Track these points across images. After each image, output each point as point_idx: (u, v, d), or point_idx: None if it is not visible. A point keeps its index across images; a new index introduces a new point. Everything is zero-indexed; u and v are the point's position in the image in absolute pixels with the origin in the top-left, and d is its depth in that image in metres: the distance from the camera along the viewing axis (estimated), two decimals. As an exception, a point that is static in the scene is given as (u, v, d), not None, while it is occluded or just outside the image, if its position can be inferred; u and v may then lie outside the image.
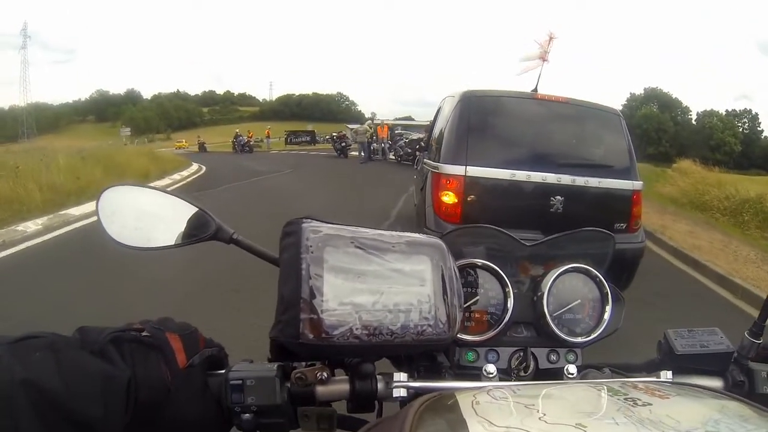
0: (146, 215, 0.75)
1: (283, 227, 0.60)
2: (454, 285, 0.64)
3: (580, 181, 3.95)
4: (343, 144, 24.35)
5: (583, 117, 4.34)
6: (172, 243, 0.74)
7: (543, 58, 4.79)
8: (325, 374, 0.61)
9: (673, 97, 73.10)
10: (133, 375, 0.51)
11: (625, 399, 0.45)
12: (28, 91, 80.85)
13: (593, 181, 3.99)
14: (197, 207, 0.75)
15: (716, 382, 0.70)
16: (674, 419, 0.39)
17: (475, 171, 3.94)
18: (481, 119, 4.19)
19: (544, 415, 0.42)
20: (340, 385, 0.63)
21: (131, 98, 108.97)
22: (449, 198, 3.99)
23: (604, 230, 0.84)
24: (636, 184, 4.11)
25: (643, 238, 4.18)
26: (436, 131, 5.27)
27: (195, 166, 18.12)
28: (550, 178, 3.93)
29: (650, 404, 0.43)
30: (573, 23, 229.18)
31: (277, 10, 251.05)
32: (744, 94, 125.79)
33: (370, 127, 23.18)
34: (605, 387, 0.50)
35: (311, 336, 0.55)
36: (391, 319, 0.59)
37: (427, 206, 4.26)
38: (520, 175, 3.93)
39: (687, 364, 0.70)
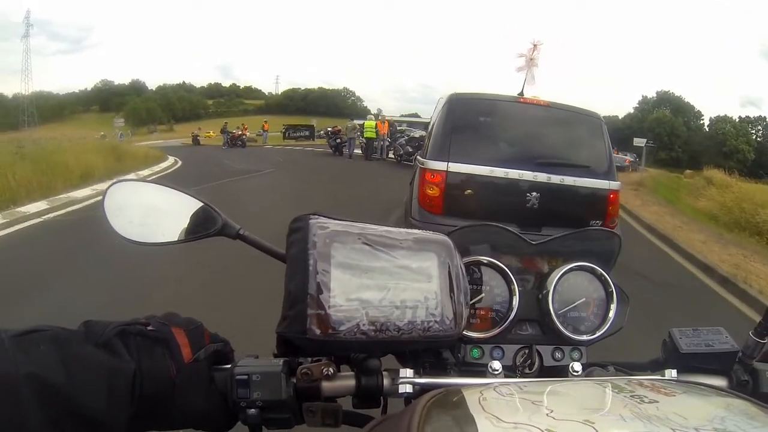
0: (152, 211, 0.74)
1: (289, 223, 0.60)
2: (461, 282, 0.65)
3: (556, 179, 4.29)
4: (338, 140, 22.80)
5: (564, 120, 4.62)
6: (178, 239, 0.73)
7: (531, 65, 5.20)
8: (331, 370, 0.60)
9: (685, 101, 71.83)
10: (138, 368, 0.52)
11: (632, 396, 0.45)
12: (30, 80, 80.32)
13: (569, 180, 4.33)
14: (203, 202, 0.74)
15: (720, 382, 0.70)
16: (681, 416, 0.39)
17: (456, 167, 4.30)
18: (464, 119, 4.54)
19: (552, 411, 0.42)
20: (345, 381, 0.63)
21: (136, 89, 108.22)
22: (433, 191, 4.33)
23: (610, 229, 0.86)
24: (613, 185, 4.46)
25: (620, 236, 3.80)
26: (429, 130, 5.62)
27: (164, 164, 16.72)
28: (527, 175, 4.28)
29: (657, 401, 0.44)
30: (585, 26, 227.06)
31: (286, 4, 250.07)
32: (750, 101, 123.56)
33: (351, 122, 21.83)
34: (611, 384, 0.51)
35: (318, 331, 0.56)
36: (398, 315, 0.59)
37: (413, 198, 4.61)
38: (499, 171, 4.29)
39: (691, 363, 0.70)
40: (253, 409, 0.58)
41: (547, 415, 0.41)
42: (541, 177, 4.27)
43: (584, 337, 0.79)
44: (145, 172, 14.02)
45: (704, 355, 0.70)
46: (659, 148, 55.02)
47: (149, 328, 0.57)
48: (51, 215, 7.41)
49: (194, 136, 35.35)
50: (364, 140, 20.44)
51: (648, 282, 5.31)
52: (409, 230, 0.65)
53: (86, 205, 8.40)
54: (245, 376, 0.58)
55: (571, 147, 4.57)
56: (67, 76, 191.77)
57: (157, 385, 0.54)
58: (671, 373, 0.68)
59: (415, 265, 0.62)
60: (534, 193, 4.27)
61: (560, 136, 4.59)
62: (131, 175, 12.41)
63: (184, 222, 0.74)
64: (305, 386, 0.60)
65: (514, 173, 4.27)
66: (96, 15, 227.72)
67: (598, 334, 0.79)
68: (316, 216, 0.60)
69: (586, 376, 0.72)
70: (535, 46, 5.31)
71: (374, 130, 20.19)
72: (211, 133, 33.17)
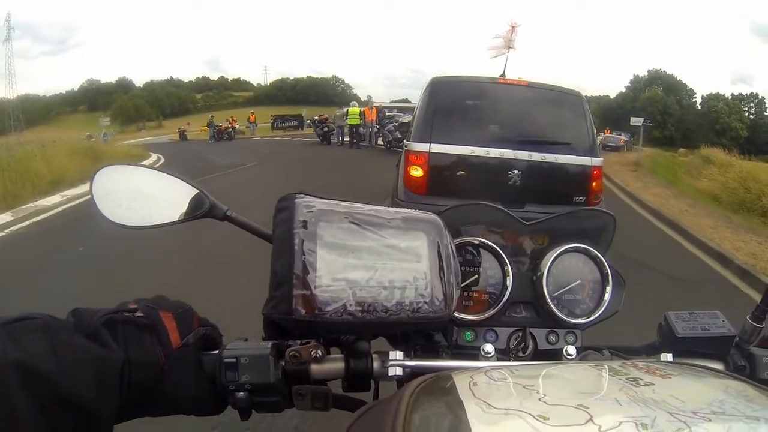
0: (140, 194, 0.74)
1: (276, 203, 0.60)
2: (450, 262, 0.64)
3: (537, 156, 4.37)
4: (326, 129, 22.24)
5: (545, 99, 4.68)
6: (167, 221, 0.73)
7: (508, 46, 5.27)
8: (319, 352, 0.60)
9: (678, 79, 71.64)
10: (126, 357, 0.52)
11: (627, 379, 0.44)
12: (14, 84, 79.22)
13: (550, 157, 4.39)
14: (191, 185, 0.74)
15: (717, 366, 0.68)
16: (678, 399, 0.39)
17: (438, 148, 4.41)
18: (446, 102, 4.64)
19: (545, 396, 0.42)
20: (335, 364, 0.62)
21: (123, 86, 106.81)
22: (417, 172, 4.43)
23: (605, 210, 0.84)
24: (595, 161, 4.49)
25: None
26: (413, 113, 5.66)
27: (144, 163, 16.06)
28: (507, 154, 4.37)
29: (652, 384, 0.43)
30: (575, 4, 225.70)
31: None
32: (741, 78, 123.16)
33: (341, 109, 21.23)
34: (606, 367, 0.50)
35: (304, 312, 0.55)
36: (386, 296, 0.58)
37: (399, 180, 4.68)
38: (480, 151, 4.39)
39: (687, 347, 0.70)
40: (241, 393, 0.57)
41: (539, 399, 0.40)
42: (522, 155, 4.36)
43: (579, 320, 0.77)
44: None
45: (700, 339, 0.69)
46: (653, 127, 54.84)
47: (137, 314, 0.56)
48: (14, 227, 6.92)
49: (181, 132, 34.97)
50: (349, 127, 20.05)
51: (665, 278, 4.85)
52: (398, 209, 0.63)
53: (54, 213, 7.92)
54: (233, 359, 0.57)
55: (552, 125, 4.61)
56: (53, 77, 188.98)
57: (146, 372, 0.54)
58: (667, 357, 0.68)
59: (404, 245, 0.61)
60: (516, 171, 4.34)
61: (541, 114, 4.63)
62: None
63: (172, 204, 0.73)
64: (294, 369, 0.60)
65: (495, 152, 4.37)
66: (79, 14, 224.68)
67: (593, 317, 0.78)
68: (302, 195, 0.60)
69: (581, 360, 0.71)
70: (513, 27, 5.31)
71: (358, 116, 19.71)
72: (205, 127, 32.53)
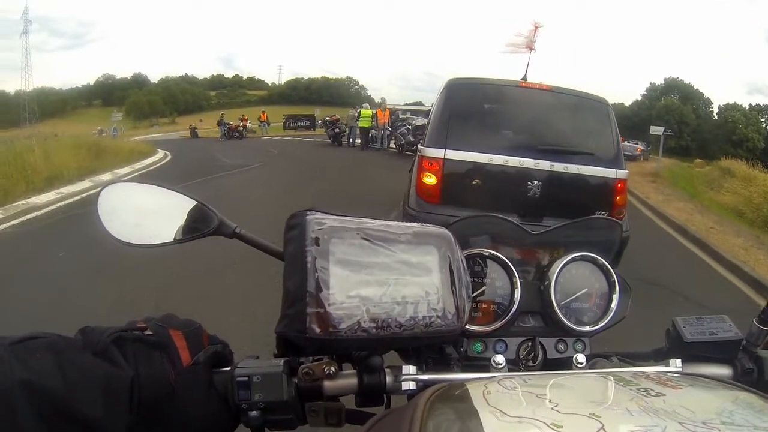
0: (146, 212, 0.74)
1: (287, 220, 0.60)
2: (462, 275, 0.64)
3: (559, 167, 4.05)
4: (337, 130, 21.80)
5: (568, 105, 4.36)
6: (173, 239, 0.72)
7: (529, 47, 4.95)
8: (332, 369, 0.60)
9: (695, 88, 70.57)
10: (136, 375, 0.52)
11: (638, 389, 0.45)
12: (30, 77, 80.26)
13: (573, 168, 4.07)
14: (198, 201, 0.74)
15: (725, 370, 0.69)
16: (689, 410, 0.39)
17: (453, 154, 4.09)
18: (462, 105, 4.31)
19: (557, 405, 0.42)
20: (347, 380, 0.63)
21: (138, 82, 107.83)
22: (430, 180, 4.13)
23: (611, 218, 0.85)
24: (620, 173, 4.17)
25: (627, 228, 3.87)
26: (428, 117, 5.35)
27: (149, 160, 15.86)
28: (528, 163, 4.04)
29: (663, 394, 0.44)
30: (592, 11, 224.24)
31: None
32: (758, 89, 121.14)
33: (355, 110, 20.84)
34: (616, 377, 0.50)
35: (318, 330, 0.55)
36: (399, 311, 0.58)
37: (411, 187, 4.42)
38: (498, 159, 4.05)
39: (696, 352, 0.69)
40: (254, 411, 0.58)
41: (552, 408, 0.41)
42: (543, 165, 4.04)
43: (587, 328, 0.78)
44: (124, 170, 13.02)
45: (708, 344, 0.69)
46: (670, 136, 54.24)
47: (147, 332, 0.56)
48: (2, 227, 6.56)
49: (192, 129, 34.88)
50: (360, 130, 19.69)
51: (701, 308, 4.36)
52: (408, 224, 0.63)
53: (45, 213, 7.56)
54: (245, 378, 0.58)
55: (575, 133, 4.31)
56: (69, 71, 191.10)
57: (156, 391, 0.53)
58: (676, 363, 0.67)
59: (416, 260, 0.61)
60: (535, 182, 4.04)
61: (564, 121, 4.32)
62: (107, 174, 11.57)
63: (180, 222, 0.73)
64: (307, 386, 0.60)
65: (514, 161, 4.05)
66: (97, 9, 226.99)
67: (600, 324, 0.78)
68: (313, 212, 0.59)
69: (590, 368, 0.71)
70: (536, 27, 5.02)
71: (370, 119, 19.33)
72: (216, 125, 32.30)
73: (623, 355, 0.73)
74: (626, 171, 4.29)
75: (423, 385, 0.61)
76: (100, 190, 0.73)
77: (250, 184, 10.90)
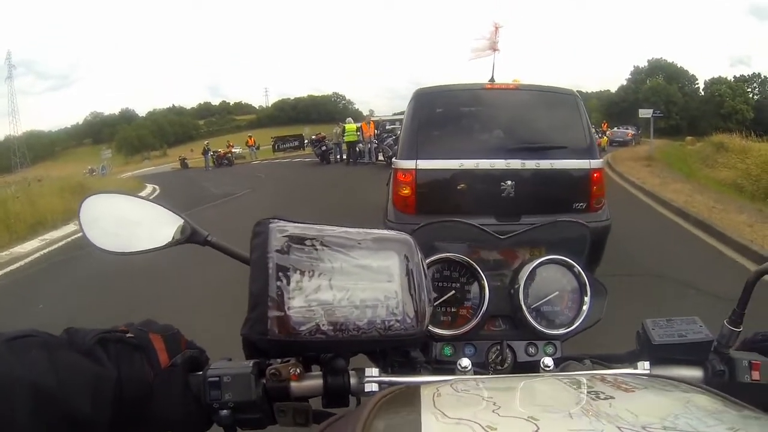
0: (125, 221, 0.77)
1: (253, 228, 0.62)
2: (422, 280, 0.65)
3: (531, 164, 4.06)
4: (323, 148, 21.83)
5: (536, 101, 4.38)
6: (150, 247, 0.76)
7: (493, 48, 5.03)
8: (298, 370, 0.62)
9: (678, 66, 70.83)
10: (118, 374, 0.54)
11: (589, 392, 0.45)
12: (18, 122, 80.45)
13: (546, 163, 4.06)
14: (173, 212, 0.77)
15: (695, 372, 0.69)
16: (632, 413, 0.40)
17: (425, 164, 4.13)
18: (431, 114, 4.37)
19: (500, 408, 0.43)
20: (314, 381, 0.65)
21: (126, 117, 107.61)
22: (405, 191, 4.16)
23: (578, 221, 0.85)
24: (594, 163, 4.16)
25: (608, 216, 4.19)
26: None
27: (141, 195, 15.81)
28: (499, 164, 4.07)
29: (612, 398, 0.44)
30: (569, 2, 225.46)
31: (268, 16, 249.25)
32: (740, 60, 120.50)
33: (339, 126, 20.80)
34: (572, 380, 0.51)
35: (279, 333, 0.57)
36: (358, 315, 0.60)
37: (389, 200, 4.45)
38: (469, 164, 4.08)
39: (666, 354, 0.70)
40: (225, 410, 0.59)
41: (493, 411, 0.42)
42: (515, 164, 4.04)
43: (558, 331, 0.78)
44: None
45: (678, 346, 0.69)
46: (659, 117, 54.42)
47: (128, 335, 0.59)
48: (-17, 281, 6.36)
49: (182, 160, 34.82)
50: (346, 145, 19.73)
51: (718, 302, 4.08)
52: (369, 230, 0.65)
53: (28, 262, 7.39)
54: (216, 378, 0.60)
55: (545, 128, 4.29)
56: (57, 112, 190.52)
57: (136, 390, 0.56)
58: (644, 365, 0.67)
59: (376, 265, 0.62)
60: (509, 182, 4.02)
61: (533, 118, 4.33)
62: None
63: (155, 231, 0.76)
64: (275, 386, 0.62)
65: (485, 163, 4.06)
66: (80, 49, 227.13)
67: (572, 327, 0.78)
68: (276, 220, 0.62)
69: (561, 371, 0.71)
70: (496, 28, 5.09)
71: (355, 133, 19.33)
72: (201, 155, 32.29)
73: (597, 357, 0.74)
74: (601, 160, 4.31)
75: (387, 387, 0.61)
76: (82, 200, 0.76)
77: (235, 214, 10.52)
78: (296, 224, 0.62)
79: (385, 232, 0.65)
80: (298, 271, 0.59)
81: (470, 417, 0.39)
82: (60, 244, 8.55)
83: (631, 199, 10.06)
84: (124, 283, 4.99)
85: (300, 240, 0.60)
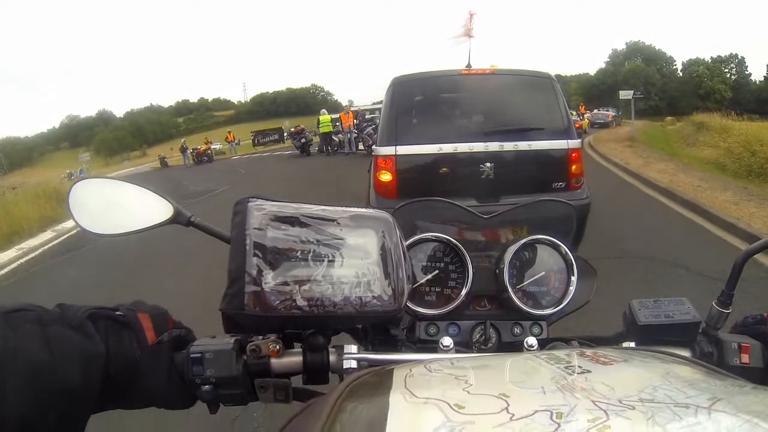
0: (112, 204, 0.78)
1: (233, 207, 0.62)
2: (400, 258, 0.65)
3: (509, 146, 4.11)
4: (303, 140, 21.56)
5: (512, 85, 4.42)
6: (136, 228, 0.76)
7: (468, 34, 5.12)
8: (278, 346, 0.63)
9: (656, 48, 71.37)
10: (106, 350, 0.55)
11: (565, 368, 0.45)
12: (-8, 129, 78.98)
13: (523, 145, 4.12)
14: (158, 194, 0.78)
15: (683, 354, 0.64)
16: (608, 386, 0.39)
17: (404, 149, 4.17)
18: (408, 101, 4.43)
19: (471, 386, 0.43)
20: (294, 358, 0.65)
21: (103, 119, 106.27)
22: (386, 176, 4.20)
23: (563, 200, 0.84)
24: (572, 143, 4.19)
25: (587, 195, 4.22)
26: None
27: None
28: (478, 147, 4.10)
29: (588, 371, 0.43)
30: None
31: (243, 11, 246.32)
32: (718, 40, 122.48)
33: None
34: (549, 356, 0.50)
35: (255, 308, 0.57)
36: (333, 291, 0.60)
37: (371, 187, 4.47)
38: (447, 148, 4.11)
39: (652, 336, 0.68)
40: (207, 386, 0.61)
41: (463, 389, 0.41)
42: (493, 146, 4.09)
43: (544, 312, 0.77)
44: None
45: (665, 327, 0.68)
46: (639, 99, 54.75)
47: (117, 312, 0.60)
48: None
49: (162, 159, 34.19)
50: (321, 136, 19.74)
51: (707, 281, 3.95)
52: (347, 208, 0.65)
53: (5, 273, 7.07)
54: (199, 354, 0.61)
55: (522, 111, 4.33)
56: (33, 117, 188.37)
57: (123, 366, 0.57)
58: (629, 346, 0.67)
59: (353, 242, 0.63)
60: (487, 164, 4.07)
61: (509, 101, 4.37)
62: (70, 222, 10.95)
63: (141, 213, 0.77)
64: (255, 363, 0.63)
65: (463, 147, 4.10)
66: (55, 52, 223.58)
67: (558, 308, 0.77)
68: (255, 199, 0.62)
69: (543, 351, 0.70)
70: (471, 15, 5.19)
71: (330, 124, 19.41)
72: (180, 152, 31.77)
73: (584, 338, 0.73)
74: (579, 141, 4.33)
75: (367, 365, 0.63)
76: (71, 186, 0.77)
77: (213, 212, 10.16)
78: (274, 202, 0.62)
79: (364, 210, 0.65)
80: (275, 248, 0.59)
81: (439, 396, 0.38)
82: (38, 252, 8.27)
83: (616, 180, 9.94)
84: (104, 293, 4.79)
85: (278, 218, 0.61)
